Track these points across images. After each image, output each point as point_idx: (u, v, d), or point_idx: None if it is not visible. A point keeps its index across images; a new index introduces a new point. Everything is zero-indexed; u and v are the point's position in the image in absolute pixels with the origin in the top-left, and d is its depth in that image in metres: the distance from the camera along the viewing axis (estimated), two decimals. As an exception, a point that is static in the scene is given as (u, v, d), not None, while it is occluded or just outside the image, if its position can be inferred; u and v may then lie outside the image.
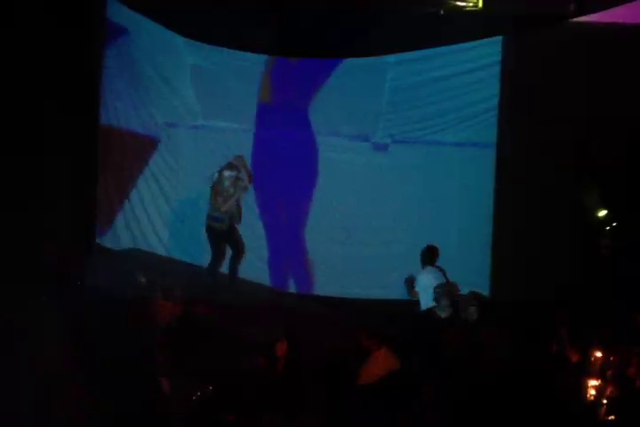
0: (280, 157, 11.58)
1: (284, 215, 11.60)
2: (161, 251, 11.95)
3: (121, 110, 11.91)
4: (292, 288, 11.63)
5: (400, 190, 11.30)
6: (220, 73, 11.48)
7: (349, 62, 11.27)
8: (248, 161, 11.49)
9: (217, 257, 11.36)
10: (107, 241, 12.12)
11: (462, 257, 11.02)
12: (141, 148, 11.98)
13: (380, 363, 8.96)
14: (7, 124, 11.09)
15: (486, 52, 10.99)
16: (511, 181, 10.98)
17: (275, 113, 11.52)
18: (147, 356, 8.87)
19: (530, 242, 10.81)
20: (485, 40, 10.95)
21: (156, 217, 12.00)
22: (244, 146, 11.63)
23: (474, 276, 10.87)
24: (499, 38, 10.92)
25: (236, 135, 11.64)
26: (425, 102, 11.16)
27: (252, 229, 11.60)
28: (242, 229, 11.50)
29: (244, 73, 11.41)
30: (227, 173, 11.08)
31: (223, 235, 11.21)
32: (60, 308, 9.32)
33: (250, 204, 11.58)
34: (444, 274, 10.26)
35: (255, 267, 11.58)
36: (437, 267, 10.30)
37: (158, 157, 11.90)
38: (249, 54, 11.32)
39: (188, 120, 11.73)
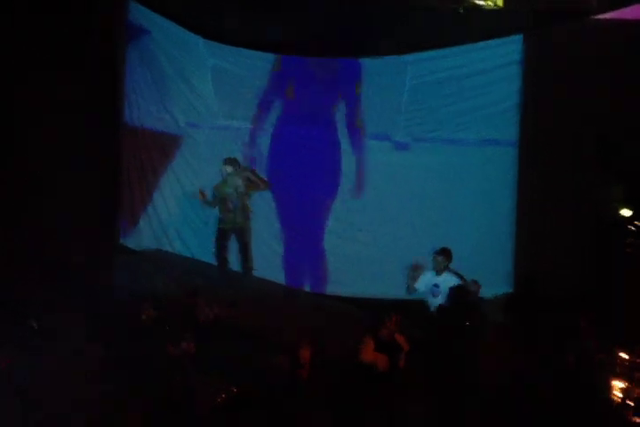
0: (301, 155, 11.59)
1: (304, 215, 11.62)
2: (184, 252, 11.98)
3: (144, 111, 11.96)
4: (308, 287, 11.65)
5: (421, 189, 11.29)
6: (240, 73, 11.51)
7: (369, 61, 11.27)
8: (265, 160, 11.58)
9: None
10: (130, 242, 12.17)
11: (484, 257, 11.00)
12: (164, 148, 12.02)
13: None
14: (31, 125, 11.16)
15: (507, 50, 10.96)
16: (533, 180, 10.94)
17: (296, 112, 11.55)
18: (172, 356, 8.90)
19: (552, 241, 10.77)
20: (506, 38, 10.92)
21: (179, 218, 12.04)
22: (264, 145, 11.67)
23: (494, 276, 10.82)
24: (519, 36, 10.89)
25: (255, 135, 11.67)
26: (445, 101, 11.14)
27: (270, 229, 11.65)
28: (260, 227, 11.59)
29: (263, 73, 11.46)
30: (227, 169, 11.24)
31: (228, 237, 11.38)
32: (86, 308, 9.40)
33: (268, 202, 11.63)
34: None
35: (272, 265, 11.63)
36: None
37: (180, 157, 11.94)
38: (268, 54, 11.37)
39: (208, 120, 11.76)
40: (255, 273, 11.57)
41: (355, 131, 11.46)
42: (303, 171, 11.62)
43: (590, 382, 8.48)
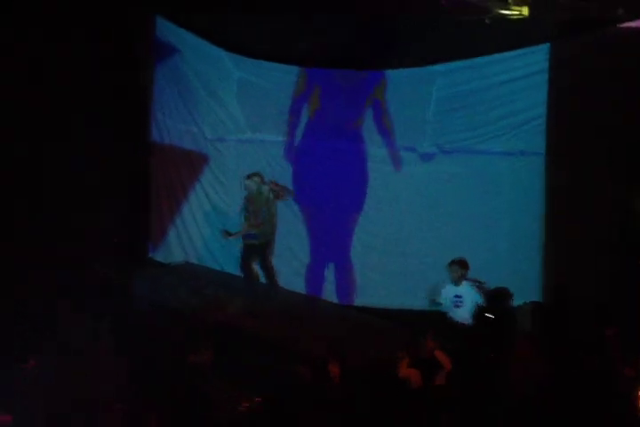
0: (328, 168, 11.62)
1: (331, 227, 11.62)
2: (213, 265, 12.02)
3: (171, 126, 12.09)
4: (336, 299, 11.60)
5: (448, 200, 11.24)
6: (266, 86, 11.59)
7: (395, 73, 11.28)
8: (292, 173, 11.62)
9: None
10: (160, 256, 12.28)
11: (512, 267, 10.89)
12: (192, 163, 12.12)
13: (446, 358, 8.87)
14: (62, 143, 11.32)
15: (533, 60, 10.87)
16: (561, 190, 10.81)
17: (322, 124, 11.59)
18: (192, 364, 8.90)
19: (582, 251, 10.62)
20: (532, 48, 10.85)
21: (208, 231, 12.10)
22: (292, 158, 11.71)
23: (524, 285, 10.67)
24: (546, 45, 10.82)
25: (282, 148, 11.72)
26: (471, 112, 11.09)
27: (298, 241, 11.68)
28: (288, 241, 11.62)
29: (289, 86, 11.52)
30: (247, 183, 11.24)
31: (256, 251, 11.39)
32: (115, 321, 9.45)
33: (296, 215, 11.67)
34: None
35: (299, 277, 11.65)
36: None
37: (208, 171, 12.04)
38: (293, 67, 11.44)
39: (235, 134, 11.85)
40: (283, 284, 11.57)
41: (381, 142, 11.45)
42: (330, 183, 11.64)
43: (615, 391, 8.31)
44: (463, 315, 9.98)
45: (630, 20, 10.59)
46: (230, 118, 11.82)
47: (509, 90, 10.97)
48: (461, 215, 11.21)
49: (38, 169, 11.25)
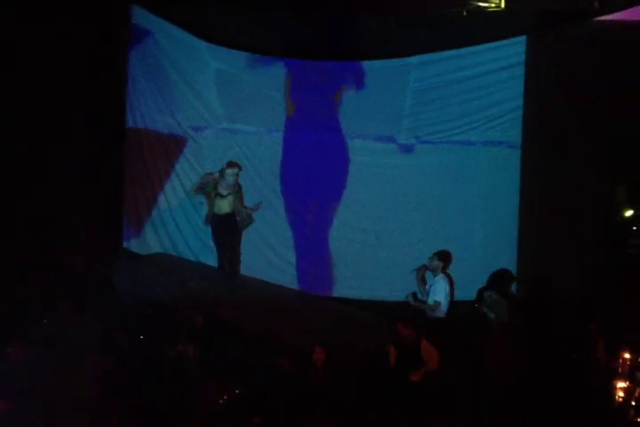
0: (308, 158, 11.61)
1: (311, 217, 11.62)
2: (188, 255, 11.99)
3: (147, 115, 12.00)
4: (318, 290, 11.62)
5: (426, 191, 11.29)
6: (243, 77, 11.54)
7: (373, 64, 11.28)
8: (276, 163, 11.62)
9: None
10: (135, 246, 12.20)
11: (489, 258, 10.99)
12: (168, 152, 12.05)
13: (433, 353, 8.96)
14: (34, 131, 11.19)
15: (510, 53, 10.94)
16: (536, 181, 10.89)
17: (299, 116, 11.56)
18: (176, 359, 8.91)
19: (555, 242, 10.74)
20: (509, 40, 10.90)
21: (183, 221, 12.05)
22: (268, 148, 11.69)
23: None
24: (522, 38, 10.87)
25: (259, 138, 11.69)
26: (449, 102, 11.13)
27: (279, 232, 11.68)
28: (268, 231, 11.62)
29: (267, 76, 11.47)
30: (229, 171, 11.21)
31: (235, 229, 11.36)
32: (89, 311, 9.42)
33: (276, 207, 11.67)
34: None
35: (283, 270, 11.65)
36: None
37: (184, 160, 11.97)
38: (271, 58, 11.39)
39: (212, 123, 11.80)
40: (268, 277, 11.58)
41: (358, 134, 11.46)
42: (309, 175, 11.64)
43: (593, 382, 8.46)
44: (428, 304, 10.08)
45: (606, 14, 10.68)
46: (207, 108, 11.76)
47: (486, 82, 11.04)
48: (439, 206, 11.28)
49: (6, 154, 11.10)
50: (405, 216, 11.35)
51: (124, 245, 12.21)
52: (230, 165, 11.35)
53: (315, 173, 11.58)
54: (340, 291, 11.55)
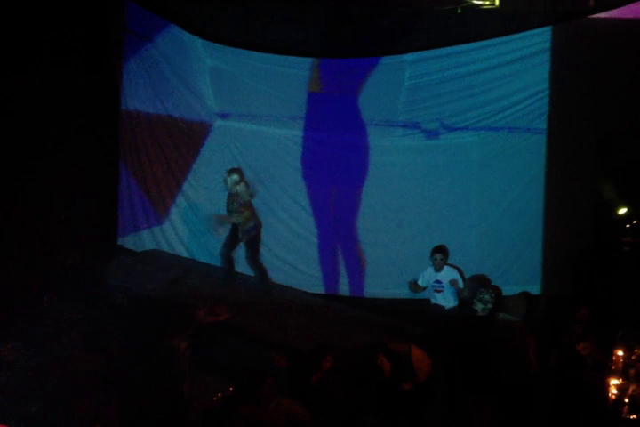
0: (308, 158, 11.62)
1: (336, 209, 11.61)
2: (183, 252, 11.97)
3: (142, 112, 11.93)
4: (345, 290, 11.64)
5: (437, 187, 11.36)
6: (240, 75, 11.49)
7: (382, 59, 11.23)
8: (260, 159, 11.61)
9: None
10: (129, 243, 12.17)
11: (513, 251, 11.19)
12: (163, 149, 12.01)
13: (424, 361, 9.01)
14: (29, 126, 11.17)
15: (531, 43, 10.89)
16: (558, 169, 10.89)
17: (323, 103, 11.49)
18: (170, 355, 8.91)
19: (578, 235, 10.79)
20: (533, 31, 10.85)
21: (178, 218, 12.04)
22: (265, 146, 11.68)
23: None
24: (547, 28, 10.79)
25: (256, 136, 11.66)
26: (470, 92, 11.13)
27: (304, 227, 11.70)
28: (294, 227, 11.67)
29: (263, 74, 11.42)
30: (230, 178, 11.17)
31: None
32: (83, 308, 9.44)
33: (300, 201, 11.68)
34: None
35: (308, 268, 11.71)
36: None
37: (180, 158, 11.94)
38: (267, 55, 11.33)
39: (207, 121, 11.76)
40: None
41: (383, 121, 11.42)
42: (329, 171, 11.63)
43: (580, 380, 8.49)
44: (443, 299, 10.27)
45: (600, 11, 10.71)
46: (202, 106, 11.71)
47: (506, 72, 11.02)
48: (463, 192, 11.32)
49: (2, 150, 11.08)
50: (428, 204, 11.37)
51: (119, 241, 12.20)
52: (228, 172, 11.28)
53: (337, 165, 11.57)
54: (370, 290, 11.55)
